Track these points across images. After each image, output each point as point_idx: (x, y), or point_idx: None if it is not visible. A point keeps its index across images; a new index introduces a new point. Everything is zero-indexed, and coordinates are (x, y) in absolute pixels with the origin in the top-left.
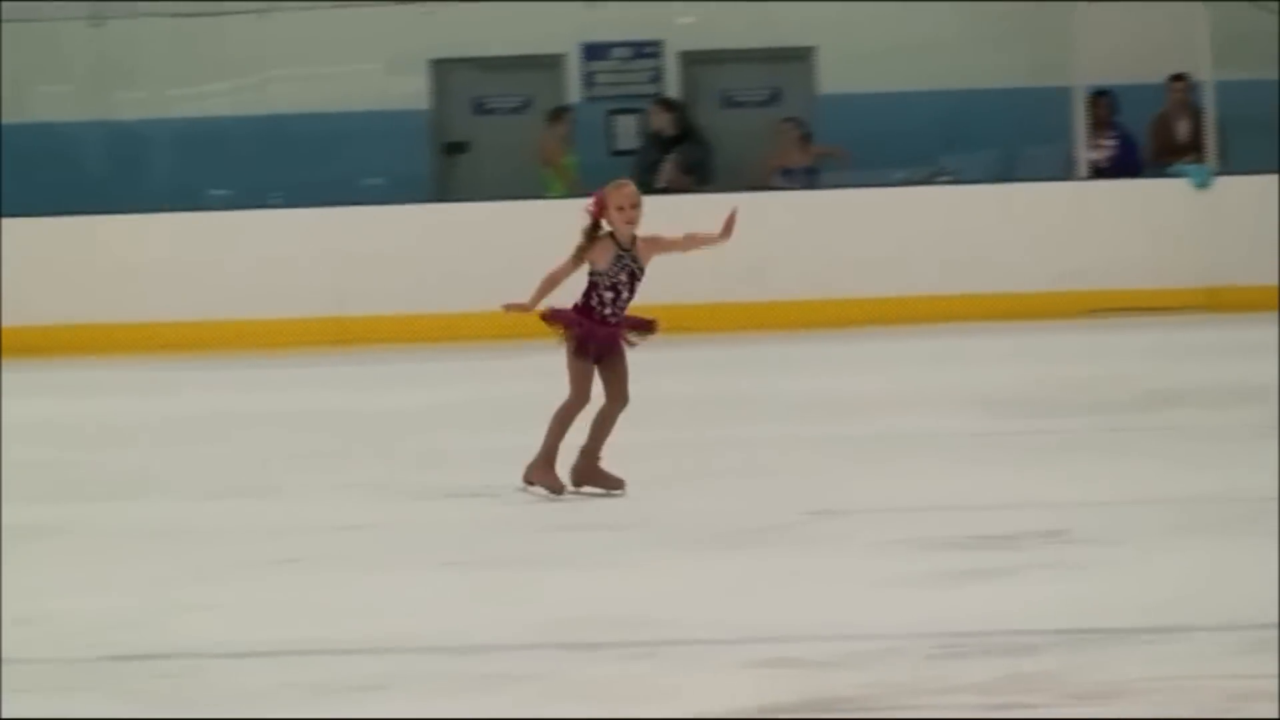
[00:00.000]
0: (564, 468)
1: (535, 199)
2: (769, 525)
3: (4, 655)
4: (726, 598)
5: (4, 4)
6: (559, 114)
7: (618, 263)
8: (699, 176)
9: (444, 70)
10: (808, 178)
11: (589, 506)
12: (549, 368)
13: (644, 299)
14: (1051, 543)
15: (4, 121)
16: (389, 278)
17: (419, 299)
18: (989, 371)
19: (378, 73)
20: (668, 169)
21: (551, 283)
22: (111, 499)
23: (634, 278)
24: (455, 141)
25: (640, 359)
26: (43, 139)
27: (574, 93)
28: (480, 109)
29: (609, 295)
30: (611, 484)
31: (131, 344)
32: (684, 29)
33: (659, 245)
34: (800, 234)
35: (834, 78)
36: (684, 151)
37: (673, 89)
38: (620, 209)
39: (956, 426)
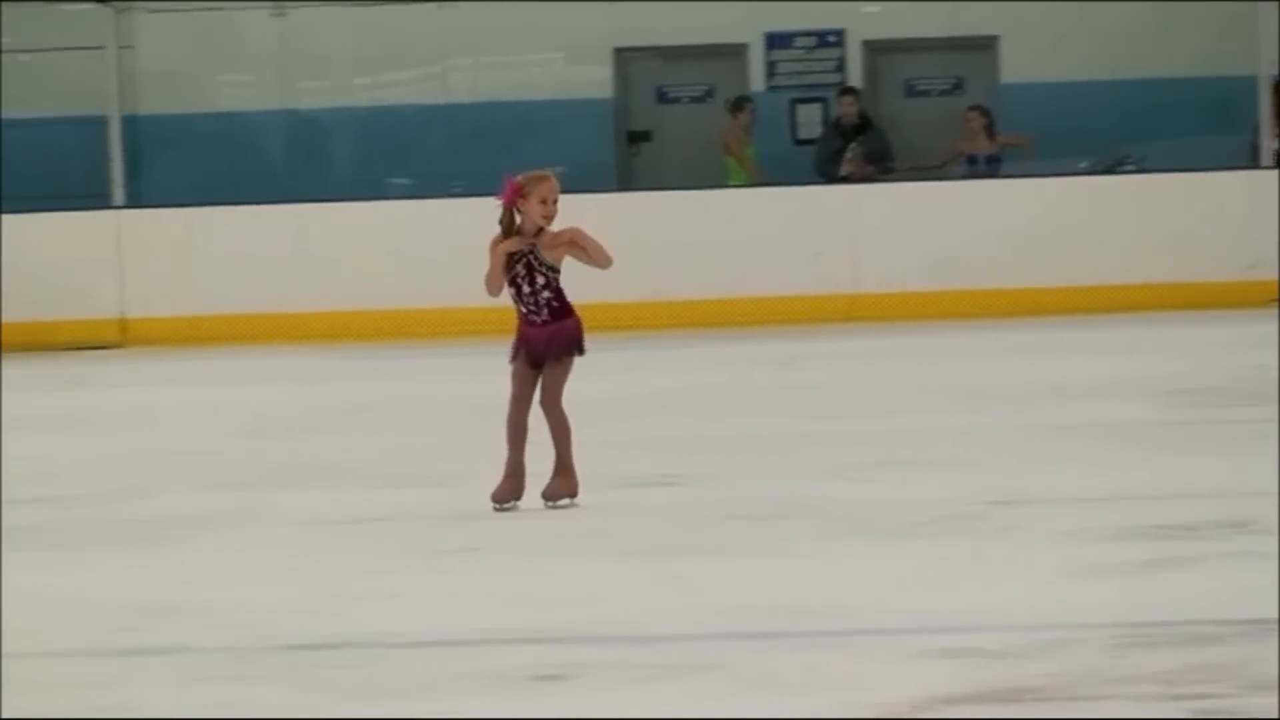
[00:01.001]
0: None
1: (718, 188)
2: (951, 514)
3: (183, 643)
4: (908, 587)
5: None
6: (740, 104)
7: (515, 256)
8: (881, 166)
9: (627, 59)
10: (990, 166)
11: (767, 497)
12: (727, 357)
13: (823, 287)
14: (1236, 533)
15: (189, 111)
16: (571, 267)
17: (600, 289)
18: (1172, 361)
19: (560, 62)
20: (851, 158)
21: (495, 286)
22: (291, 487)
23: (531, 270)
24: (639, 130)
25: (825, 348)
26: (226, 128)
27: (757, 82)
28: (663, 98)
29: (513, 292)
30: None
31: (312, 332)
32: (867, 18)
33: (578, 235)
34: (984, 223)
35: (1016, 67)
36: (865, 140)
37: (855, 78)
38: (543, 202)
39: (1140, 415)
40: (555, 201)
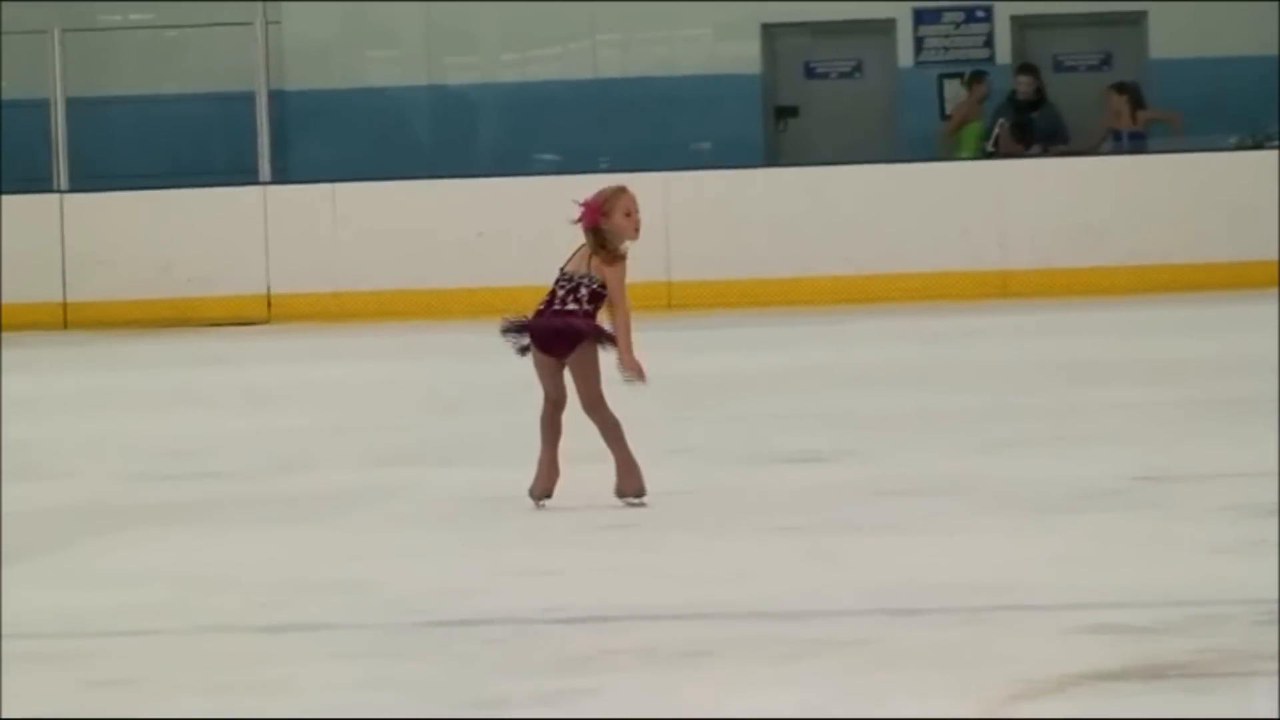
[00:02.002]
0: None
1: (865, 164)
2: (1098, 490)
3: (332, 620)
4: (1056, 563)
5: None
6: (978, 77)
7: (562, 280)
8: (1051, 140)
9: (775, 35)
10: (1135, 142)
11: (915, 473)
12: (875, 333)
13: (971, 263)
14: None
15: (335, 86)
16: (719, 242)
17: (749, 264)
18: None
19: (708, 37)
20: (999, 132)
21: (628, 326)
22: (440, 464)
23: (577, 287)
24: (786, 106)
25: (973, 324)
26: (372, 104)
27: (905, 57)
28: (811, 73)
29: (560, 292)
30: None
31: (456, 308)
32: None
33: (615, 278)
34: (1130, 198)
35: (1164, 42)
36: (1040, 117)
37: (1003, 54)
38: (629, 214)
39: None
40: (638, 212)
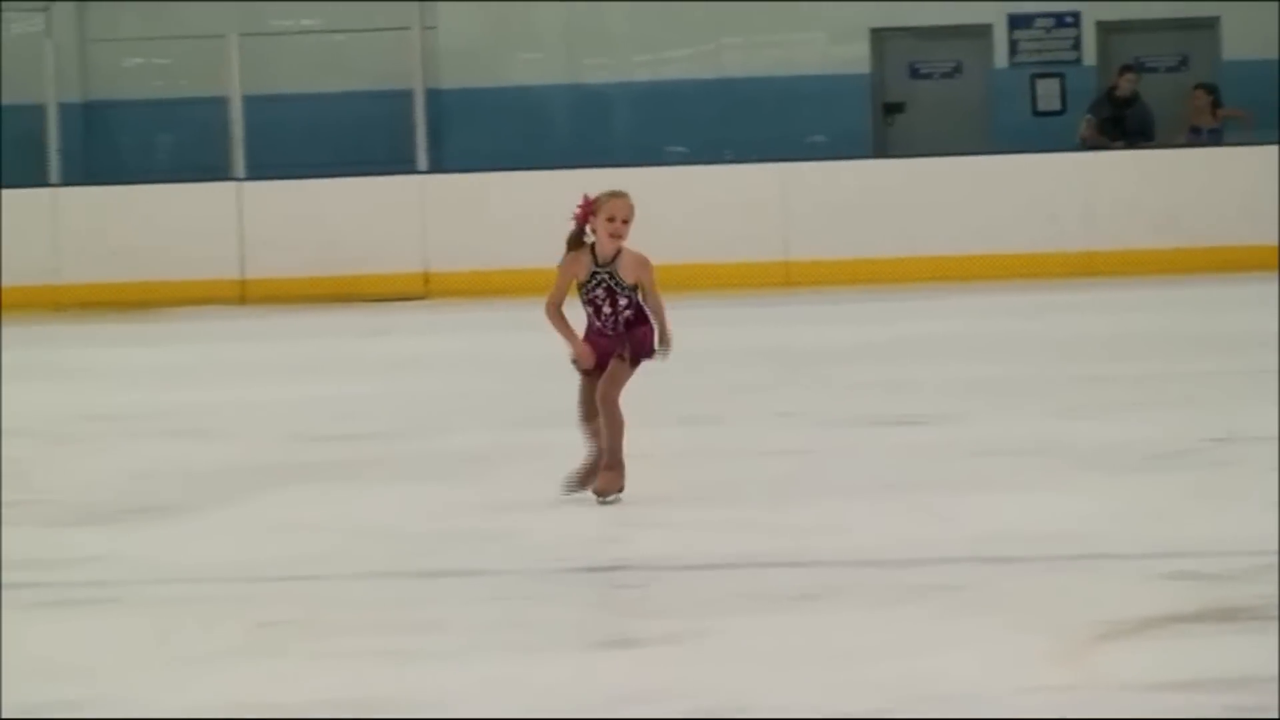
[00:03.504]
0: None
1: (964, 155)
2: (1175, 450)
3: (481, 567)
4: (1134, 516)
5: None
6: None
7: (592, 279)
8: (1130, 138)
9: (882, 38)
10: (1213, 137)
11: (1007, 435)
12: (970, 309)
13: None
14: None
15: (485, 85)
16: (832, 226)
17: (859, 245)
18: None
19: (822, 40)
20: (1085, 126)
21: (557, 314)
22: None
23: (613, 294)
24: (893, 103)
25: (1061, 300)
26: (518, 101)
27: (1000, 59)
28: (915, 73)
29: (589, 310)
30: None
31: None
32: (1101, 1)
33: (647, 271)
34: (1205, 188)
35: (1236, 45)
36: (1133, 114)
37: (1089, 56)
38: (610, 220)
39: None
40: (626, 221)
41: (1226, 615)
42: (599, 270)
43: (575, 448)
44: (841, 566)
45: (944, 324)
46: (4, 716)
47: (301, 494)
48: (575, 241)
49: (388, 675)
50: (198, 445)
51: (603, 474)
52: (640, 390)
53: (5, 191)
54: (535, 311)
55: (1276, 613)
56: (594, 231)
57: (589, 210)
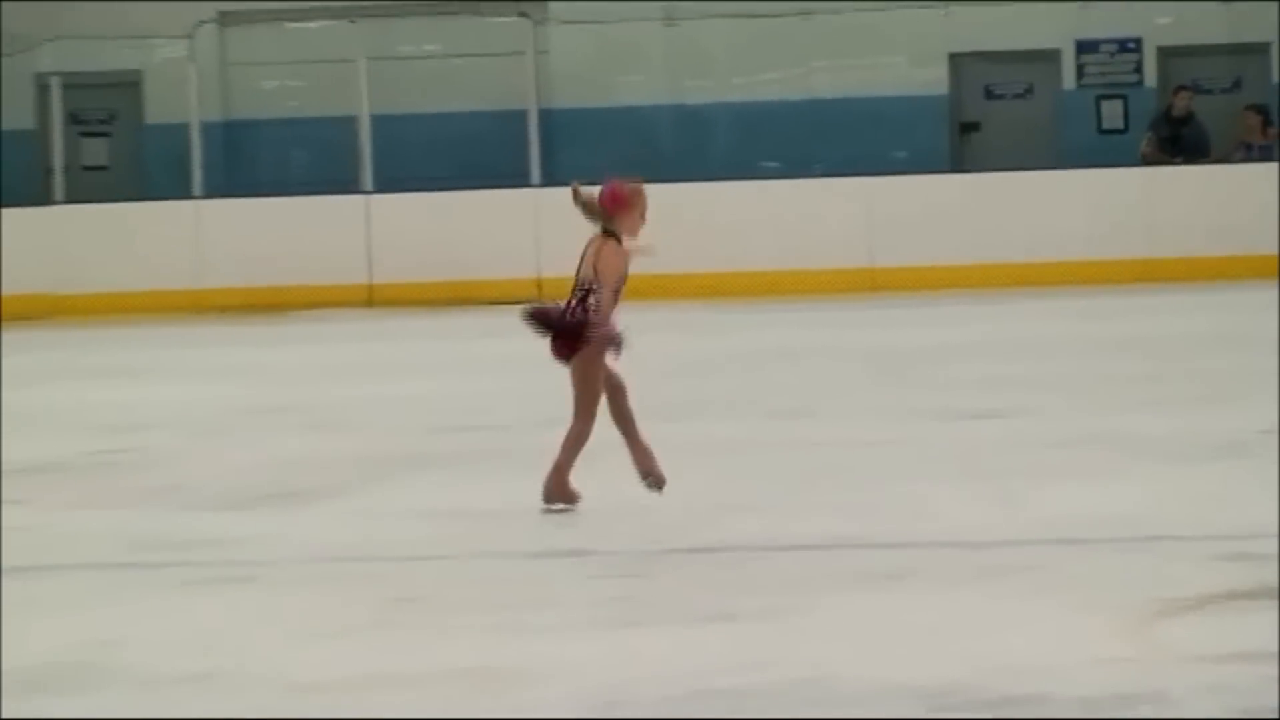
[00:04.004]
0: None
1: (1035, 169)
2: (1230, 441)
3: (587, 547)
4: (1195, 502)
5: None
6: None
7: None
8: (1188, 154)
9: (960, 62)
10: (1264, 153)
11: (1077, 427)
12: (1037, 311)
13: (1119, 251)
14: None
15: (593, 105)
16: (914, 235)
17: (938, 253)
18: None
19: (903, 64)
20: (1146, 143)
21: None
22: (678, 419)
23: (585, 296)
24: (969, 122)
25: (1126, 303)
26: (624, 119)
27: (1069, 81)
28: (990, 94)
29: (573, 302)
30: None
31: (698, 290)
32: (1161, 27)
33: (612, 265)
34: (1257, 200)
35: None
36: (1190, 131)
37: (1150, 79)
38: (643, 217)
39: None
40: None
41: (1276, 593)
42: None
43: (672, 438)
44: (923, 548)
45: (1018, 325)
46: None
47: (427, 481)
48: (605, 232)
49: (508, 647)
50: (332, 437)
51: (554, 480)
52: (737, 386)
53: (153, 204)
54: (640, 314)
55: None
56: (618, 223)
57: (625, 203)
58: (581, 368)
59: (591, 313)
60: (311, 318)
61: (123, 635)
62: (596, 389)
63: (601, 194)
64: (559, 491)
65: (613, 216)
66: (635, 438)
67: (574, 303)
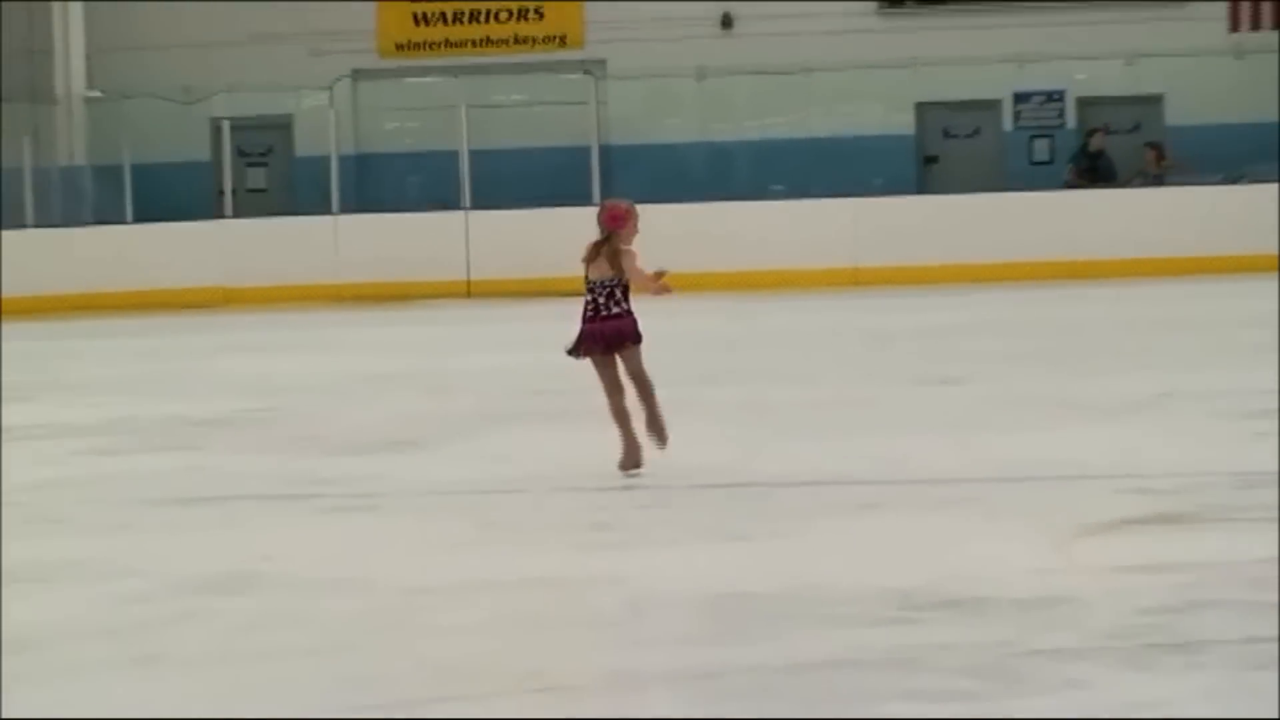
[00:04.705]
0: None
1: (981, 193)
2: (1143, 401)
3: (642, 484)
4: (1111, 448)
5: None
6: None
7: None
8: (1100, 181)
9: (923, 109)
10: (1158, 180)
11: (1018, 391)
12: (989, 301)
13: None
14: None
15: (642, 142)
16: (888, 243)
17: (908, 256)
18: None
19: (879, 111)
20: (1068, 173)
21: (641, 279)
22: (710, 384)
23: (615, 289)
24: (931, 155)
25: (1052, 294)
26: (667, 153)
27: (1007, 124)
28: (947, 134)
29: (599, 301)
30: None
31: (722, 285)
32: (1079, 82)
33: (630, 261)
34: (1157, 215)
35: (1177, 114)
36: (1100, 164)
37: (1070, 122)
38: (636, 228)
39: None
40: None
41: (1172, 519)
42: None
43: (716, 398)
44: (896, 484)
45: (973, 312)
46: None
47: (514, 433)
48: (602, 241)
49: (573, 560)
50: (437, 397)
51: (649, 433)
52: (751, 358)
53: (300, 218)
54: (675, 303)
55: (1209, 518)
56: (620, 235)
57: (623, 221)
58: (631, 352)
59: (627, 311)
60: (422, 305)
61: (276, 550)
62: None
63: (601, 212)
64: (661, 435)
65: (612, 231)
66: (631, 430)
67: (602, 300)
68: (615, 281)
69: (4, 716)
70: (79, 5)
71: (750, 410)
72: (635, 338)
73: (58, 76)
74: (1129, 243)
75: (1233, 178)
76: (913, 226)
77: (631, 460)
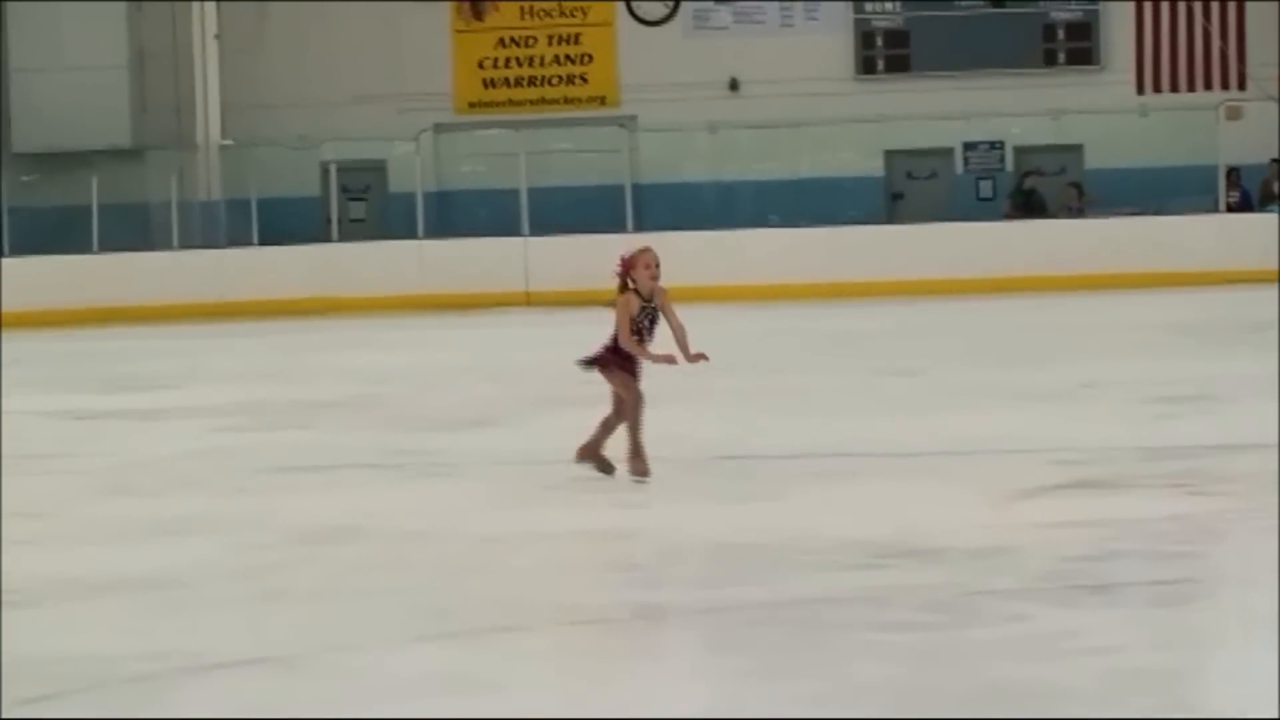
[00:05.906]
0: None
1: (937, 222)
2: (1062, 390)
3: (665, 456)
4: (1039, 428)
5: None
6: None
7: (641, 312)
8: (1032, 213)
9: (891, 156)
10: (1078, 212)
11: (961, 381)
12: (951, 309)
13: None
14: (1212, 403)
15: (671, 181)
16: (860, 263)
17: (877, 272)
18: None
19: (854, 157)
20: (1006, 206)
21: (631, 340)
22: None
23: (653, 321)
24: (897, 193)
25: (1010, 304)
26: (687, 191)
27: (958, 168)
28: (910, 176)
29: (635, 339)
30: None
31: (726, 296)
32: (1016, 134)
33: (666, 297)
34: (1078, 241)
35: (1095, 159)
36: (1032, 200)
37: (1009, 166)
38: (647, 267)
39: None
40: (657, 265)
41: (1087, 484)
42: (646, 305)
43: (703, 387)
44: (866, 456)
45: (931, 318)
46: (4, 716)
47: (565, 415)
48: (622, 288)
49: (610, 516)
50: (503, 386)
51: (632, 459)
52: (745, 353)
53: (392, 242)
54: (688, 309)
55: (1121, 484)
56: (633, 280)
57: (629, 267)
58: (620, 376)
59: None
60: (490, 312)
61: (373, 508)
62: (632, 387)
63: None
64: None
65: (622, 277)
66: (604, 440)
67: (649, 332)
68: (650, 315)
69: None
70: (215, 68)
71: (748, 396)
72: (614, 364)
73: (198, 128)
74: (1056, 262)
75: (1154, 210)
76: (881, 249)
77: (638, 469)
